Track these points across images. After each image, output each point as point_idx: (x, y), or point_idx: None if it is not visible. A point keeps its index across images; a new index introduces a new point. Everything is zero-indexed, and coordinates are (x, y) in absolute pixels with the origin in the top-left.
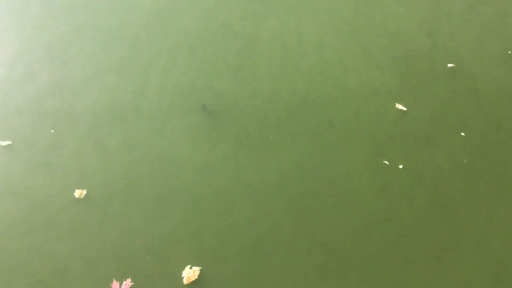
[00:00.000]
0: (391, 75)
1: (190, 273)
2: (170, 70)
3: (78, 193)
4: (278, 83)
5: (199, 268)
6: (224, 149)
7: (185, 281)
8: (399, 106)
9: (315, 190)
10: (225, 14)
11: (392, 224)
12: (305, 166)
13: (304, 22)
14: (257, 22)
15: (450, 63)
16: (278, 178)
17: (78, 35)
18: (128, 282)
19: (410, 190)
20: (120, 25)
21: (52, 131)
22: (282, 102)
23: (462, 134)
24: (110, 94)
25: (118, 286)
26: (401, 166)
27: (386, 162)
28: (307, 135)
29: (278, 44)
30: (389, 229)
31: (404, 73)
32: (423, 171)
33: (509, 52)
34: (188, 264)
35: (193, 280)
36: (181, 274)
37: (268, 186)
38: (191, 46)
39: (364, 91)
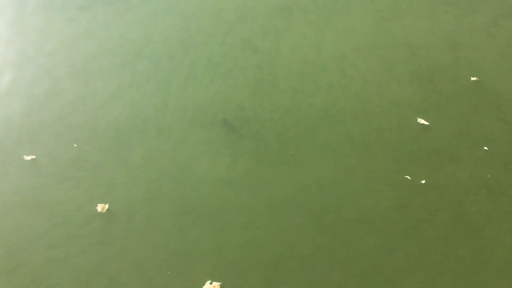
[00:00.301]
0: (412, 89)
1: None
2: (191, 85)
3: (101, 207)
4: (298, 97)
5: (219, 283)
6: (244, 164)
7: None
8: (421, 121)
9: (336, 206)
10: (246, 28)
11: (415, 241)
12: (325, 181)
13: (324, 36)
14: (277, 36)
15: (473, 77)
16: (298, 193)
17: (101, 51)
18: None
19: (433, 206)
20: (141, 41)
21: (75, 145)
22: (301, 117)
23: (485, 148)
24: (132, 109)
25: None
26: (423, 182)
27: (408, 177)
28: (327, 150)
29: (298, 58)
30: (411, 246)
31: (426, 87)
32: (446, 187)
33: None
34: (208, 279)
35: None
36: None
37: (288, 201)
38: (212, 61)
39: (385, 106)
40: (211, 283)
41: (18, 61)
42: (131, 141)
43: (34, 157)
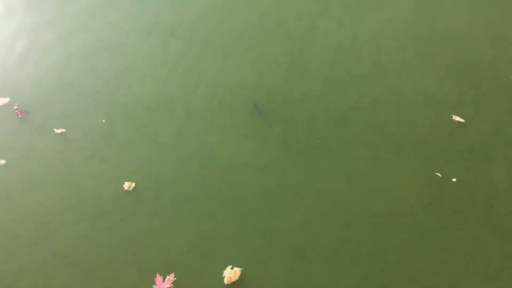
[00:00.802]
0: (449, 84)
1: (231, 274)
2: (222, 67)
3: (127, 185)
4: (329, 86)
5: (240, 269)
6: (271, 151)
7: (225, 281)
8: (456, 118)
9: (362, 199)
10: (281, 13)
11: (442, 240)
12: (353, 173)
13: (360, 24)
14: (312, 22)
15: None
16: (325, 183)
17: (136, 29)
18: (171, 277)
19: (462, 205)
20: (176, 20)
21: (104, 121)
22: (332, 106)
23: None
24: (163, 89)
25: (162, 280)
26: (454, 180)
27: (439, 174)
28: (356, 141)
29: (332, 46)
30: (438, 245)
31: (463, 82)
32: (477, 186)
33: None
34: (230, 264)
35: (234, 281)
36: (222, 273)
37: (314, 191)
38: (244, 44)
39: (420, 99)
40: (232, 268)
41: (51, 38)
42: (160, 120)
43: (64, 130)
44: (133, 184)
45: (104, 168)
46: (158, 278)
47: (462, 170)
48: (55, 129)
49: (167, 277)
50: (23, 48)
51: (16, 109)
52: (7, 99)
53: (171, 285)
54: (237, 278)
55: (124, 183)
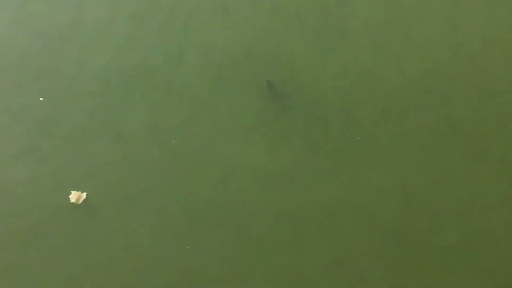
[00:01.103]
0: None
1: None
2: (221, 25)
3: (75, 196)
4: (381, 56)
5: None
6: (290, 150)
7: None
8: None
9: (426, 227)
10: None
11: None
12: (411, 188)
13: None
14: None
15: None
16: (369, 202)
17: None
18: None
19: None
20: None
21: (41, 99)
22: (385, 87)
23: None
24: (131, 55)
25: None
26: None
27: None
28: (416, 140)
29: None
30: None
31: None
32: None
33: None
34: None
35: None
36: None
37: (352, 212)
38: None
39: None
40: None
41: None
42: (125, 102)
43: None
44: (84, 195)
45: (41, 170)
46: None
47: None
48: None
49: None
50: None
51: None
52: None
53: None
54: None
55: (70, 193)
